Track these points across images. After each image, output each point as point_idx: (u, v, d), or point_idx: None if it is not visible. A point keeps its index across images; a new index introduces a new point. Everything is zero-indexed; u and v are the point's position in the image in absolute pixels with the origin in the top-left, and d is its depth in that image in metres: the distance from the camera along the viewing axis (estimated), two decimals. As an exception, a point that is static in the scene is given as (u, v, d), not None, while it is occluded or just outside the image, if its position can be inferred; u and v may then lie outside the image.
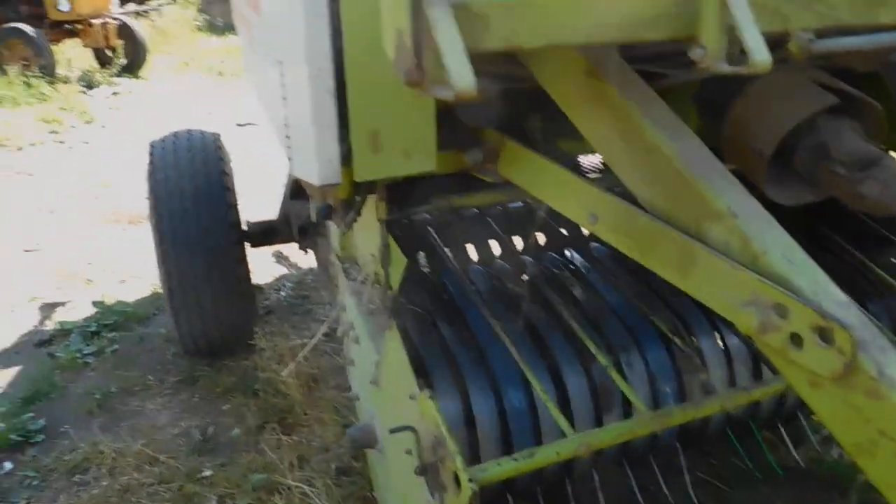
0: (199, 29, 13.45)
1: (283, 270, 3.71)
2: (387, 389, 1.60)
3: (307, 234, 2.68)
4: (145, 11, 11.76)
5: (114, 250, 4.07)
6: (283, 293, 3.46)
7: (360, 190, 1.35)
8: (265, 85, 1.64)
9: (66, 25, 8.79)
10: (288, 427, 2.42)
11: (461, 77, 0.74)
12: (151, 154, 2.69)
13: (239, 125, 7.22)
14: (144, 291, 3.53)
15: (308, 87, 1.12)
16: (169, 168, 2.59)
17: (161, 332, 3.11)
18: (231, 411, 2.56)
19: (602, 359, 1.44)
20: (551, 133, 1.60)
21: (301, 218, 2.66)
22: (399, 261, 1.57)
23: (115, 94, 8.50)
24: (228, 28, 13.36)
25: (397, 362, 1.45)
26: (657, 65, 1.39)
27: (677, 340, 1.58)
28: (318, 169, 1.17)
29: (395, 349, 1.46)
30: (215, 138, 2.79)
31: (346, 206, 1.51)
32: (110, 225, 4.51)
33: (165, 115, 7.70)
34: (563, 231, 2.10)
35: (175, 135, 2.77)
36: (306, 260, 3.82)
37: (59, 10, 8.47)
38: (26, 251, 4.10)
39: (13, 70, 7.78)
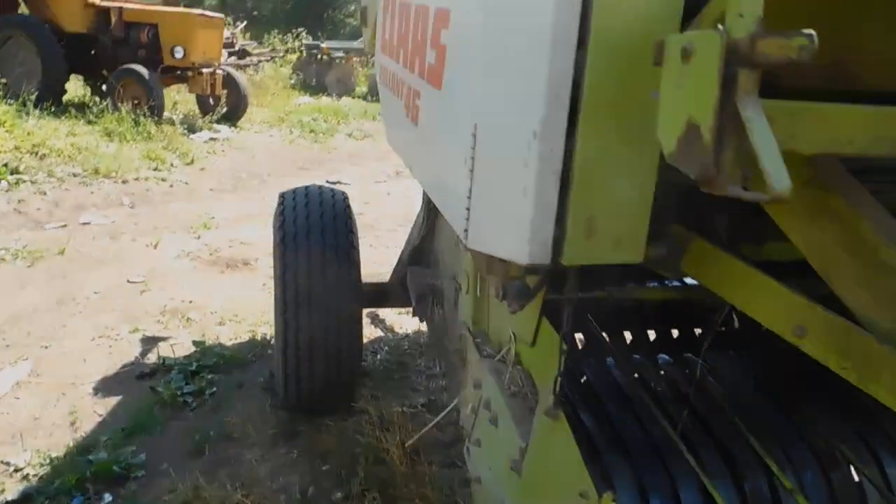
0: (293, 87, 14.04)
1: (379, 333, 3.71)
2: (534, 480, 1.54)
3: (425, 302, 2.67)
4: (246, 65, 12.38)
5: (212, 292, 4.14)
6: (379, 356, 3.44)
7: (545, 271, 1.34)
8: (432, 151, 1.66)
9: (178, 71, 9.27)
10: (389, 499, 2.35)
11: (780, 179, 0.72)
12: (283, 205, 2.74)
13: (329, 182, 7.42)
14: (242, 336, 3.56)
15: (535, 167, 1.09)
16: (300, 221, 2.64)
17: (259, 380, 3.11)
18: (331, 473, 2.51)
19: (787, 482, 1.36)
20: (738, 233, 1.56)
21: (420, 285, 2.66)
22: (554, 343, 1.53)
23: (213, 139, 8.85)
24: (321, 88, 13.93)
25: (565, 455, 1.39)
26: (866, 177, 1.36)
27: (864, 469, 1.48)
28: (529, 249, 1.14)
29: (563, 441, 1.40)
30: (344, 196, 2.84)
31: (519, 284, 1.49)
32: (208, 266, 4.61)
33: (262, 165, 7.96)
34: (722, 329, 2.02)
35: (307, 189, 2.83)
36: (402, 324, 3.84)
37: (174, 57, 8.95)
38: (129, 282, 4.20)
39: (125, 107, 8.20)
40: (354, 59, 14.93)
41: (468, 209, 1.35)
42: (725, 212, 1.61)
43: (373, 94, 13.48)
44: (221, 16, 9.83)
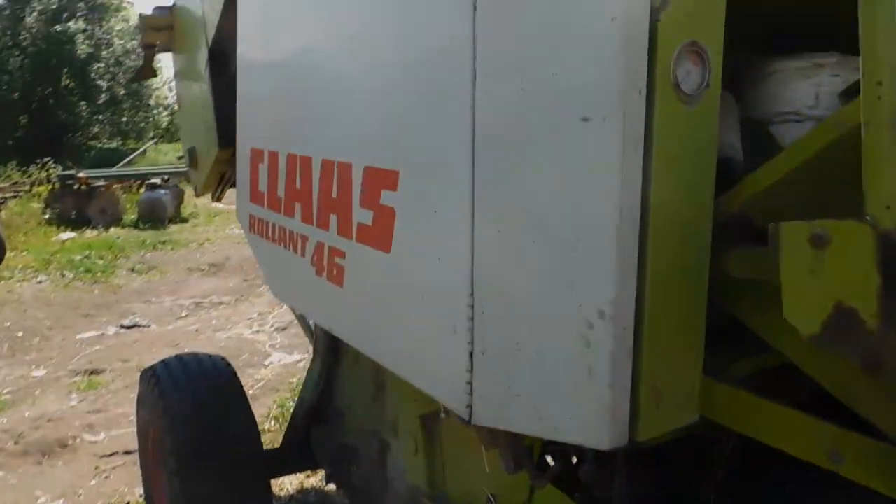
0: (49, 222, 12.68)
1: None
2: None
3: (341, 465, 2.45)
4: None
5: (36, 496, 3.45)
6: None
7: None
8: (380, 317, 1.56)
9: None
10: None
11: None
12: (157, 385, 2.40)
13: (124, 326, 6.79)
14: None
15: (609, 347, 1.07)
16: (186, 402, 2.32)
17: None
18: None
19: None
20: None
21: (330, 447, 2.45)
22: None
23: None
24: (83, 221, 12.73)
25: None
26: None
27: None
28: (609, 433, 1.10)
29: None
30: (227, 363, 2.56)
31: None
32: (18, 459, 3.88)
33: (38, 318, 7.05)
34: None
35: (181, 360, 2.51)
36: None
37: None
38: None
39: None
40: (115, 185, 13.94)
41: (470, 384, 1.27)
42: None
43: (145, 221, 12.62)
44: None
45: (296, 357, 6.12)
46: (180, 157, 22.58)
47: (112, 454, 3.94)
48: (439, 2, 1.28)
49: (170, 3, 3.14)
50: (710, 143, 1.07)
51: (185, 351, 5.97)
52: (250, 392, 5.12)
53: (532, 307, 1.16)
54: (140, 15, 3.10)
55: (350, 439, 2.37)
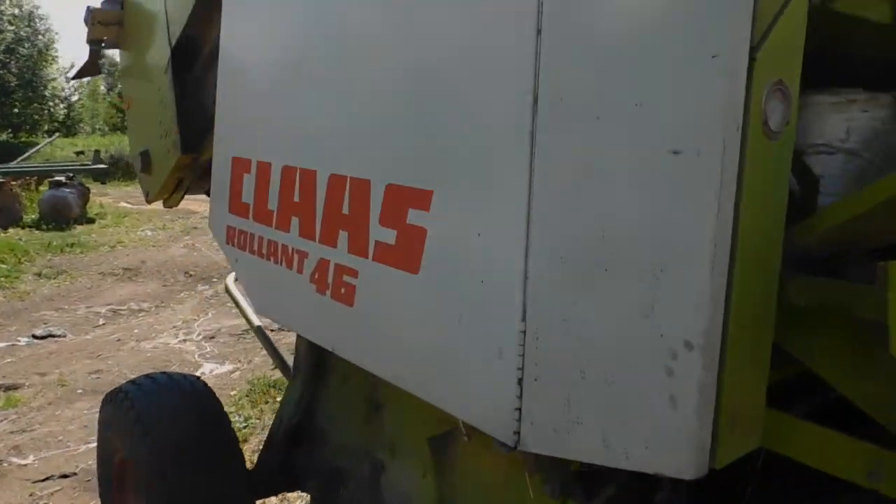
0: (-62, 222, 11.73)
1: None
2: None
3: (333, 488, 2.35)
4: None
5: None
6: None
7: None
8: (398, 338, 1.52)
9: None
10: None
11: None
12: (132, 407, 2.25)
13: (36, 337, 6.39)
14: None
15: (697, 376, 1.05)
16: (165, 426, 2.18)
17: None
18: None
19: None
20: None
21: (320, 469, 2.34)
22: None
23: None
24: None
25: None
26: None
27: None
28: (695, 462, 1.09)
29: None
30: (203, 383, 2.43)
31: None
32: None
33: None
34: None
35: (153, 379, 2.36)
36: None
37: None
38: None
39: None
40: (13, 182, 13.07)
41: (518, 409, 1.26)
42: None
43: (48, 222, 11.88)
44: None
45: (228, 367, 5.92)
46: (79, 153, 21.48)
47: (46, 479, 3.66)
48: (497, 20, 1.24)
49: (121, -2, 2.95)
50: (785, 176, 1.09)
51: (109, 362, 5.70)
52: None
53: (601, 335, 1.14)
54: (88, 8, 2.90)
55: (337, 461, 2.29)
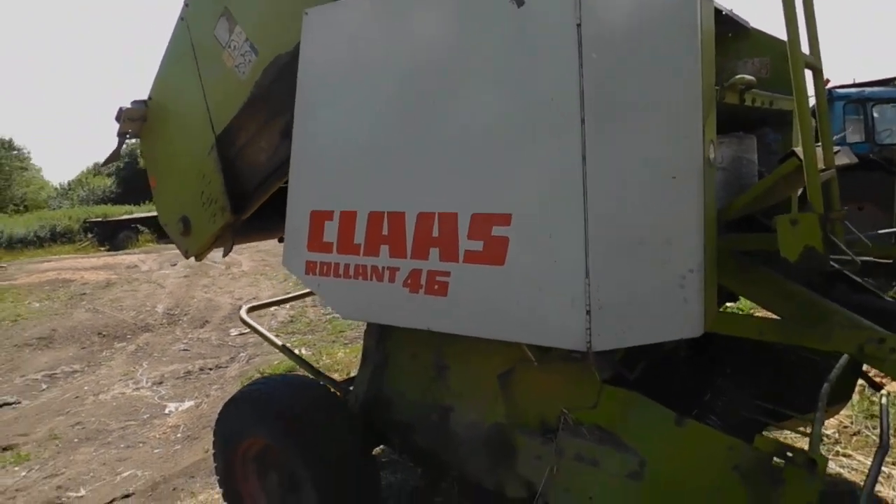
0: None
1: None
2: (662, 479, 2.34)
3: (403, 436, 3.19)
4: None
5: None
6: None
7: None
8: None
9: None
10: None
11: None
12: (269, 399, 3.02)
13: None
14: None
15: (697, 286, 2.10)
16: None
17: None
18: None
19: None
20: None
21: (392, 424, 3.20)
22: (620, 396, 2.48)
23: None
24: None
25: (710, 448, 2.24)
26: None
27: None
28: (701, 326, 2.13)
29: (705, 438, 2.27)
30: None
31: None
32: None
33: None
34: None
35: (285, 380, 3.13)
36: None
37: None
38: None
39: None
40: None
41: (588, 329, 2.18)
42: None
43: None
44: None
45: (190, 403, 6.38)
46: None
47: (110, 501, 4.10)
48: (541, 58, 2.14)
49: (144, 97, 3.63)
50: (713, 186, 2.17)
51: (82, 415, 6.00)
52: (178, 436, 5.46)
53: (641, 275, 2.13)
54: (120, 108, 3.55)
55: (406, 416, 3.13)
